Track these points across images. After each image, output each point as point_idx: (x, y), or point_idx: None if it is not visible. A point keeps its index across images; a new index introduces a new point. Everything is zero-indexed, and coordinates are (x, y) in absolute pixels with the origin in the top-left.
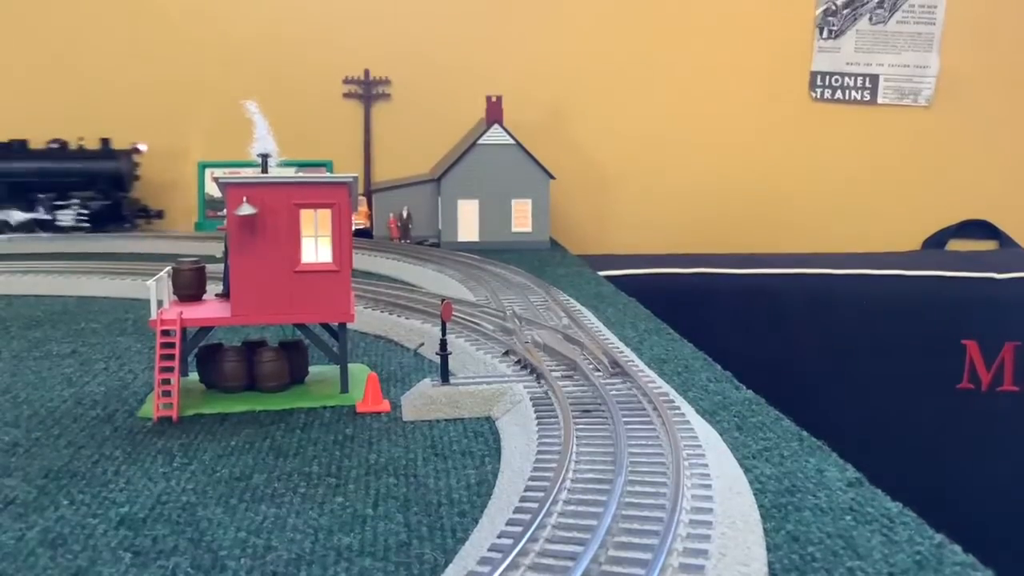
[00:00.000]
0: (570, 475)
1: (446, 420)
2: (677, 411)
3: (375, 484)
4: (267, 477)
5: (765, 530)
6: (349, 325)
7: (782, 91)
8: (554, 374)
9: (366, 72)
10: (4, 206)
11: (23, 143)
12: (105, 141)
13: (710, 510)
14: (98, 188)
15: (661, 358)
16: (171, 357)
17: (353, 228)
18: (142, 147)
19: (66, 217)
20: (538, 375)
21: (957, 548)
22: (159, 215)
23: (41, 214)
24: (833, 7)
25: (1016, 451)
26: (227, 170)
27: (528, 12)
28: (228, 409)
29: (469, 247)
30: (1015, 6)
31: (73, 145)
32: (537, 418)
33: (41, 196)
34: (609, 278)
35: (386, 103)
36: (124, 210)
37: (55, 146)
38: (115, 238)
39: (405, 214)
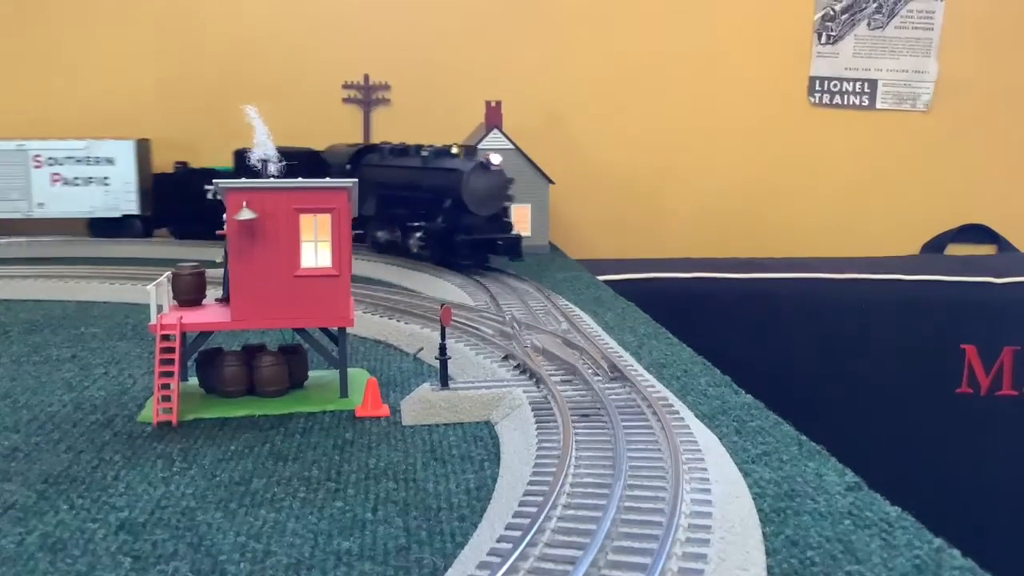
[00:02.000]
0: (569, 479)
1: (445, 424)
2: (676, 415)
3: (374, 488)
4: (267, 481)
5: (764, 534)
6: (348, 330)
7: (781, 96)
8: (553, 379)
9: (366, 77)
10: (381, 221)
11: (406, 149)
12: (446, 148)
13: (709, 514)
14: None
15: (660, 362)
16: (171, 362)
17: (352, 233)
18: (496, 159)
19: (414, 242)
20: (537, 380)
21: (956, 552)
22: (516, 249)
23: (395, 235)
24: (832, 12)
25: (1015, 455)
26: None
27: (528, 18)
28: (228, 414)
29: None
30: (1013, 11)
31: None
32: (536, 422)
33: (400, 212)
34: (608, 283)
35: (386, 108)
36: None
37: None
38: (114, 242)
39: None
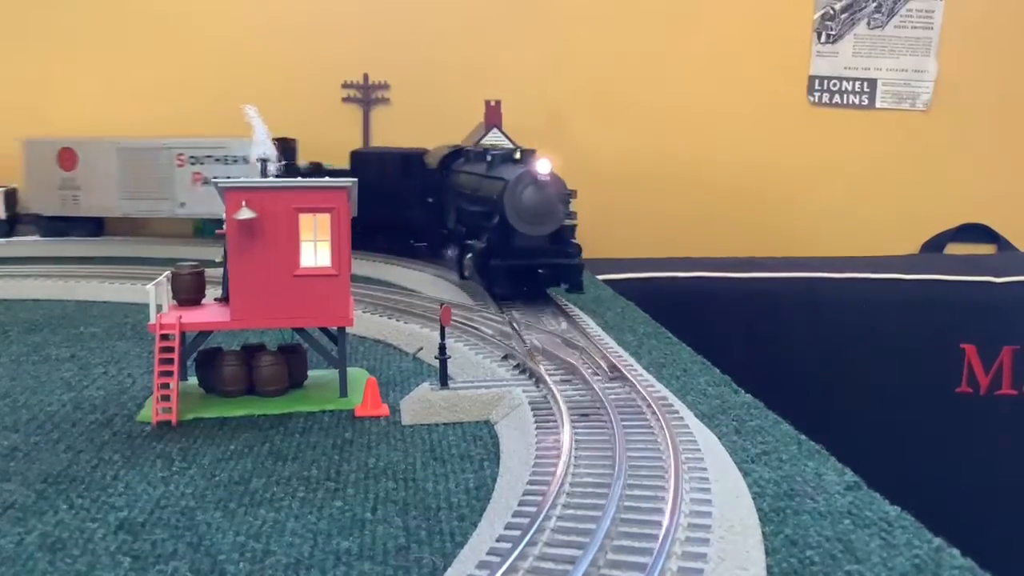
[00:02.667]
0: (569, 479)
1: (445, 424)
2: (676, 415)
3: (374, 488)
4: (266, 481)
5: (764, 534)
6: (348, 329)
7: (781, 95)
8: (553, 378)
9: (365, 76)
10: (455, 237)
11: (483, 154)
12: (510, 153)
13: (709, 514)
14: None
15: (660, 362)
16: (170, 361)
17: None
18: (545, 167)
19: (467, 262)
20: (537, 379)
21: (956, 552)
22: (574, 278)
23: (453, 253)
24: (831, 12)
25: (1014, 454)
26: None
27: (527, 17)
28: (227, 413)
29: None
30: (1012, 11)
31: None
32: (536, 422)
33: (463, 228)
34: (608, 282)
35: (385, 107)
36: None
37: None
38: (115, 242)
39: None
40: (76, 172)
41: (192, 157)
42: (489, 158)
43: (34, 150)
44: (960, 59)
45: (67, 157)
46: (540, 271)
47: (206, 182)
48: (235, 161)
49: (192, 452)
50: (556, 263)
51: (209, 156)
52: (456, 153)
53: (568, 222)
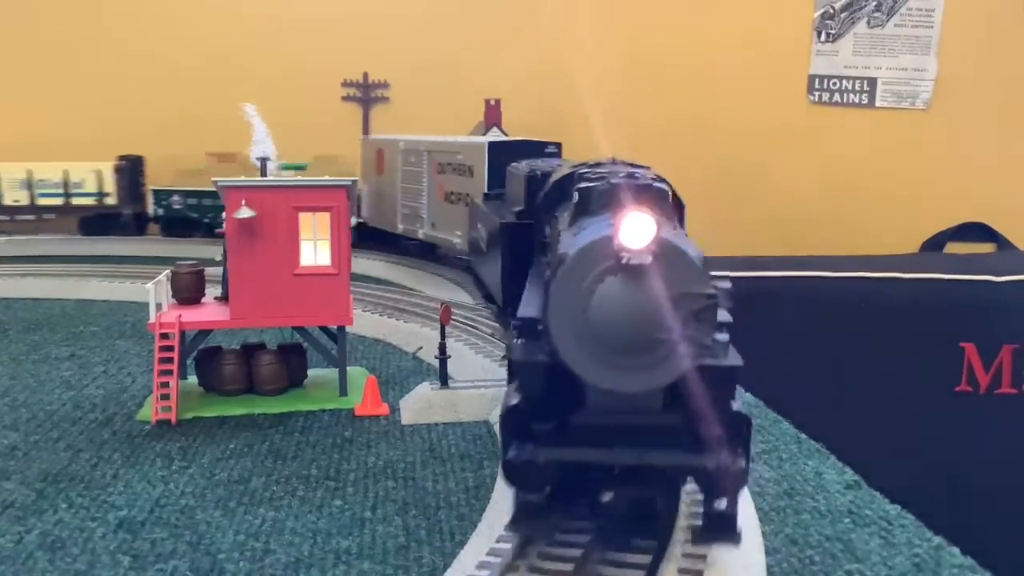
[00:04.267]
0: None
1: (445, 423)
2: None
3: (374, 487)
4: (266, 480)
5: (764, 533)
6: (348, 328)
7: (780, 94)
8: None
9: (365, 75)
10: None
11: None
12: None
13: None
14: None
15: None
16: (170, 360)
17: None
18: (640, 234)
19: None
20: None
21: (955, 550)
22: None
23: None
24: (831, 10)
25: (1014, 453)
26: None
27: (527, 15)
28: (227, 412)
29: None
30: (1013, 9)
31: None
32: None
33: None
34: None
35: (385, 106)
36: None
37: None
38: (113, 241)
39: None
40: (384, 176)
41: (439, 164)
42: (576, 196)
43: (367, 147)
44: (960, 58)
45: (380, 159)
46: (625, 485)
47: (447, 199)
48: (463, 171)
49: (192, 451)
50: (667, 464)
51: (449, 163)
52: (543, 178)
53: (706, 361)
